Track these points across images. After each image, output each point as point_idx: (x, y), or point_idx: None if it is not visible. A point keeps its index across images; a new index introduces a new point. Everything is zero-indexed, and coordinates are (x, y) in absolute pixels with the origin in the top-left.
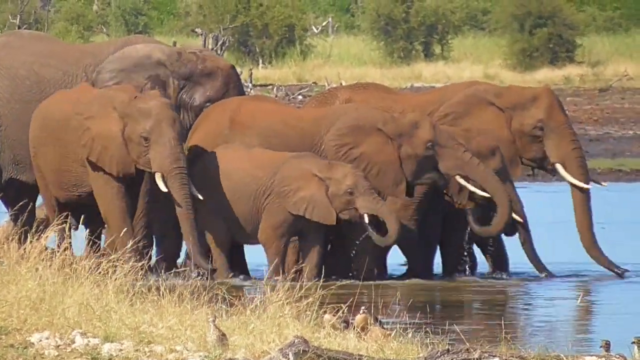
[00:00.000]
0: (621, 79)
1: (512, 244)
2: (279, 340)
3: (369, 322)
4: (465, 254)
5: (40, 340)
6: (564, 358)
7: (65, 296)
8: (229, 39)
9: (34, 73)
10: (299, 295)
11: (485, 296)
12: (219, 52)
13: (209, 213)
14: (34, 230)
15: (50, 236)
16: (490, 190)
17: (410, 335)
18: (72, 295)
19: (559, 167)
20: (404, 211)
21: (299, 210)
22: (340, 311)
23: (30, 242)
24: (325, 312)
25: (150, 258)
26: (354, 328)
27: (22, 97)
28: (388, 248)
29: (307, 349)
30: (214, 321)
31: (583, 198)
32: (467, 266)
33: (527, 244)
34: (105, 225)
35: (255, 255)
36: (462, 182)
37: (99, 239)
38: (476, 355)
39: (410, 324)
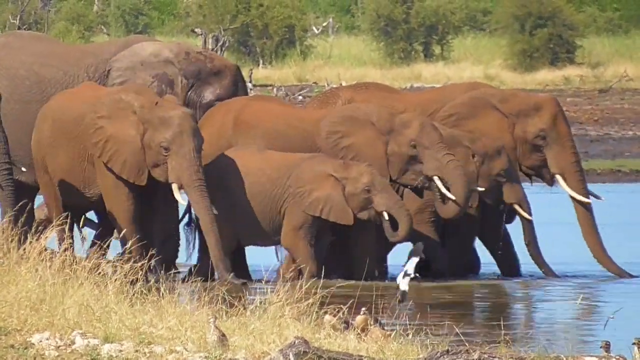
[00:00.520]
0: (621, 80)
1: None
2: (279, 341)
3: (369, 323)
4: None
5: (41, 341)
6: (564, 359)
7: (66, 297)
8: (229, 39)
9: (34, 73)
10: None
11: (485, 297)
12: (219, 52)
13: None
14: (33, 230)
15: (50, 237)
16: (454, 192)
17: (410, 336)
18: (73, 295)
19: (559, 178)
20: (420, 214)
21: (315, 211)
22: (341, 312)
23: (30, 242)
24: (325, 312)
25: (150, 259)
26: (354, 329)
27: (22, 97)
28: (389, 249)
29: (307, 350)
30: (214, 322)
31: (585, 211)
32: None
33: (532, 246)
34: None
35: (254, 256)
36: (439, 183)
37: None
38: (476, 356)
39: (410, 325)
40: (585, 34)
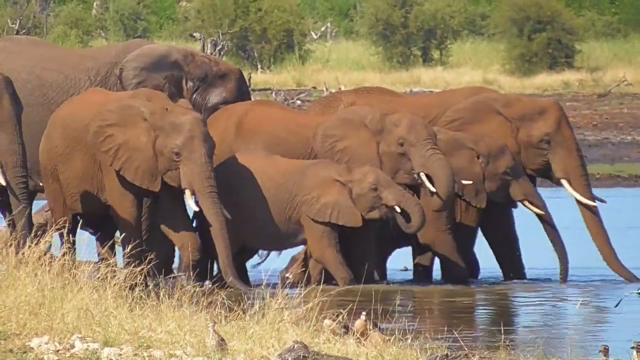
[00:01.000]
0: (620, 84)
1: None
2: (278, 346)
3: (368, 327)
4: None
5: (40, 345)
6: None
7: (65, 301)
8: (227, 43)
9: (35, 76)
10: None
11: (485, 301)
12: (217, 57)
13: None
14: (32, 235)
15: (50, 241)
16: (437, 185)
17: (409, 340)
18: (72, 300)
19: (564, 182)
20: (436, 221)
21: (324, 217)
22: (340, 316)
23: (29, 247)
24: (325, 317)
25: (149, 263)
26: (353, 333)
27: (24, 101)
28: (389, 253)
29: (306, 354)
30: (213, 326)
31: (592, 214)
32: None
33: (557, 244)
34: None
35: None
36: (424, 179)
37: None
38: None
39: (409, 329)
40: (584, 39)
